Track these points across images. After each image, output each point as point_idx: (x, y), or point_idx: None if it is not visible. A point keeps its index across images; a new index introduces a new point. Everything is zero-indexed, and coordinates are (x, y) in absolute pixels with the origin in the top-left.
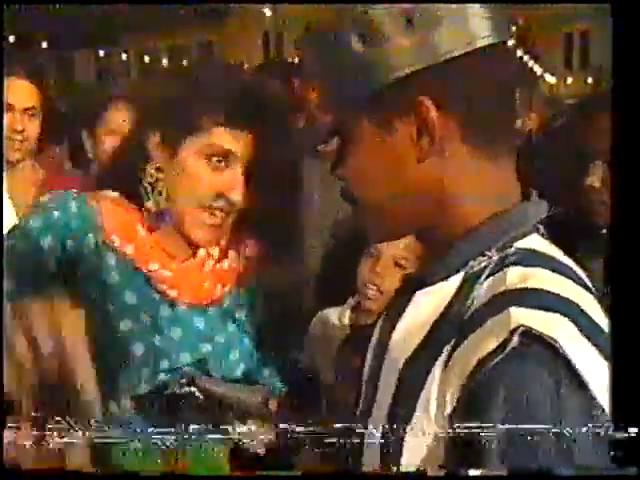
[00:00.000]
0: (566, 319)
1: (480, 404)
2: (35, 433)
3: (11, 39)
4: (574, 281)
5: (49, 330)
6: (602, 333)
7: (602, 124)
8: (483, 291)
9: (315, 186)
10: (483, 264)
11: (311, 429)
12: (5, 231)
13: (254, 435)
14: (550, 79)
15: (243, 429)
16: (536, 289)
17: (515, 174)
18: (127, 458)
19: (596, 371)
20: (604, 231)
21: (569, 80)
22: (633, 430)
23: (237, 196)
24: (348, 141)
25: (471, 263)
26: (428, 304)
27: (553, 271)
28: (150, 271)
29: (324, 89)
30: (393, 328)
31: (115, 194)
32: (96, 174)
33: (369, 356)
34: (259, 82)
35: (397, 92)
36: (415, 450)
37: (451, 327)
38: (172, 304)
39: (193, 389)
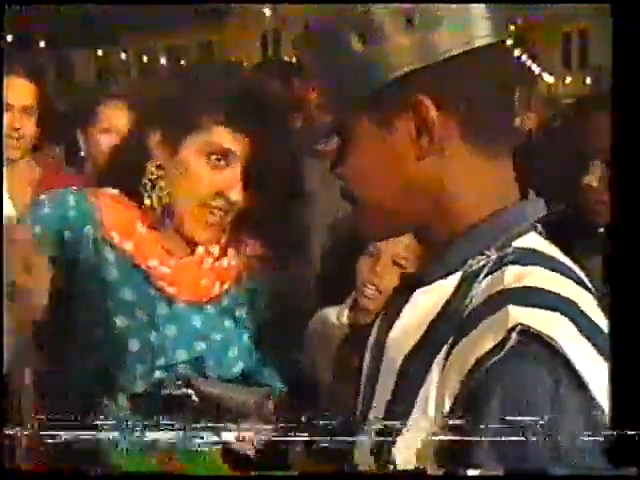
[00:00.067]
0: (565, 318)
1: (478, 403)
2: (35, 433)
3: (9, 38)
4: (573, 280)
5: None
6: (601, 332)
7: (600, 124)
8: (481, 290)
9: (315, 185)
10: (482, 263)
11: (309, 428)
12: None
13: (247, 436)
14: (549, 79)
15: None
16: (534, 288)
17: (514, 173)
18: (126, 458)
19: (595, 371)
20: (601, 230)
21: (568, 80)
22: (633, 430)
23: (236, 195)
24: (347, 140)
25: (470, 262)
26: (426, 303)
27: (552, 270)
28: (149, 267)
29: (324, 88)
30: (391, 327)
31: (115, 191)
32: (91, 172)
33: (367, 355)
34: (258, 82)
35: (396, 91)
36: (413, 449)
37: (449, 326)
38: (170, 301)
39: (189, 391)
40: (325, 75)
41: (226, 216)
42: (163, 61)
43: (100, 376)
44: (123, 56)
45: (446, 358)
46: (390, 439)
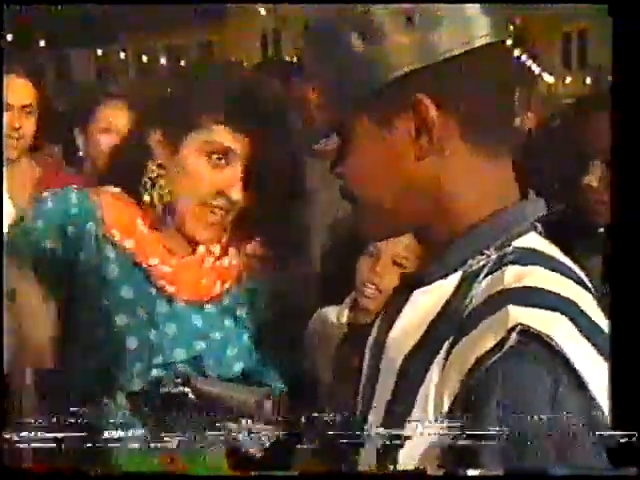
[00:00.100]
0: (565, 318)
1: (478, 402)
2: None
3: (9, 37)
4: (573, 280)
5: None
6: (601, 332)
7: (600, 123)
8: (481, 290)
9: (315, 185)
10: (482, 263)
11: (309, 428)
12: (5, 228)
13: (250, 436)
14: (548, 78)
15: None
16: (534, 288)
17: (513, 173)
18: (126, 458)
19: (595, 370)
20: (601, 230)
21: (568, 80)
22: (633, 430)
23: (237, 194)
24: (347, 140)
25: (470, 262)
26: (426, 303)
27: (552, 270)
28: (150, 266)
29: (324, 88)
30: (391, 327)
31: (116, 190)
32: (90, 172)
33: (367, 355)
34: (259, 81)
35: (397, 91)
36: (413, 449)
37: (449, 326)
38: (170, 300)
39: (186, 389)
40: (325, 75)
41: (227, 215)
42: (163, 61)
43: (100, 375)
44: (122, 56)
45: (446, 358)
46: (390, 438)
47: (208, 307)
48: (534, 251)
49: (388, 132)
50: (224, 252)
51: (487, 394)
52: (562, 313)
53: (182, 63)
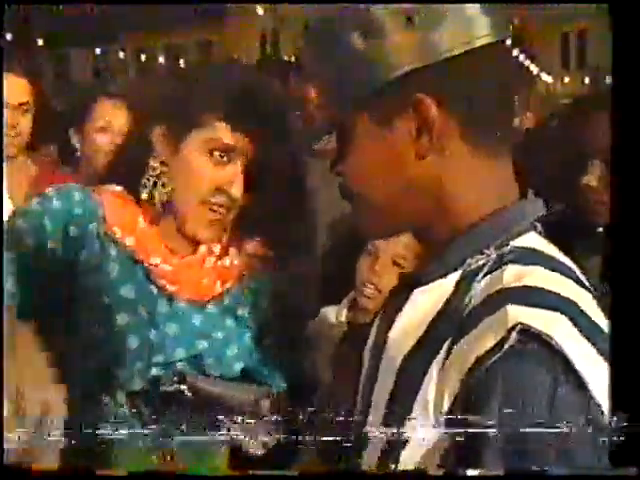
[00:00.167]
0: (564, 317)
1: (478, 402)
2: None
3: (8, 37)
4: (572, 280)
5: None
6: (601, 332)
7: (598, 123)
8: (481, 289)
9: (317, 184)
10: (481, 262)
11: (309, 428)
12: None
13: (253, 435)
14: (547, 78)
15: (237, 429)
16: (534, 287)
17: (513, 173)
18: (126, 458)
19: (595, 370)
20: (600, 230)
21: (566, 80)
22: (633, 430)
23: (237, 191)
24: (348, 139)
25: (469, 261)
26: (425, 302)
27: (551, 269)
28: (150, 265)
29: (324, 87)
30: (391, 327)
31: (118, 188)
32: (87, 171)
33: (366, 355)
34: (260, 79)
35: (397, 90)
36: (413, 448)
37: (449, 325)
38: (171, 299)
39: (182, 387)
40: (326, 74)
41: (228, 214)
42: (162, 60)
43: (100, 374)
44: (121, 55)
45: (446, 357)
46: (390, 438)
47: (209, 307)
48: (534, 251)
49: (389, 131)
50: (225, 252)
51: (487, 393)
52: (562, 313)
53: (181, 62)
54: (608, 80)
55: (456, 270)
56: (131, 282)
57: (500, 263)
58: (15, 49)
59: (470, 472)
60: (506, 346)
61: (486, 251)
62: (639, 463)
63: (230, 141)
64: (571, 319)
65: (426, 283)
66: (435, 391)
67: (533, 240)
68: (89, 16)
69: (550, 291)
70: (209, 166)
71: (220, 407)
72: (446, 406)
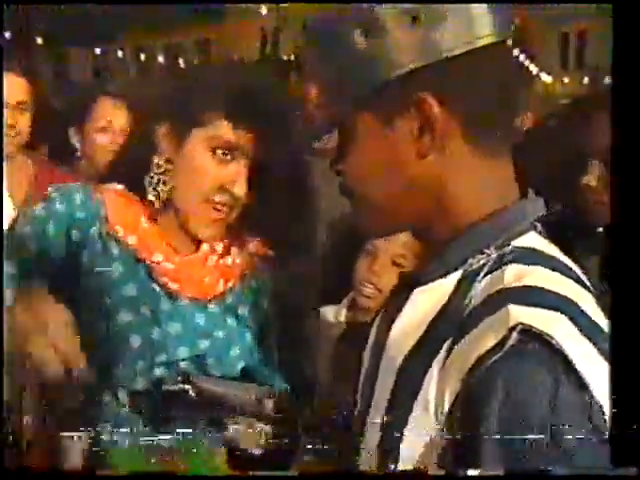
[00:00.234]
0: (564, 317)
1: (478, 402)
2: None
3: (7, 35)
4: (572, 279)
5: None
6: (601, 332)
7: (598, 123)
8: (481, 289)
9: (317, 183)
10: (482, 262)
11: (309, 429)
12: (5, 225)
13: (250, 435)
14: (546, 78)
15: (239, 428)
16: (534, 287)
17: (513, 173)
18: (126, 457)
19: (595, 370)
20: (600, 230)
21: (565, 80)
22: (633, 430)
23: (240, 190)
24: (349, 137)
25: (470, 261)
26: (426, 302)
27: (551, 269)
28: (153, 262)
29: (326, 85)
30: (391, 326)
31: (120, 187)
32: (86, 170)
33: (367, 354)
34: (260, 80)
35: (399, 89)
36: (413, 448)
37: (449, 325)
38: (173, 298)
39: (186, 386)
40: (327, 72)
41: (230, 213)
42: (161, 59)
43: (102, 373)
44: (120, 54)
45: (446, 357)
46: (390, 438)
47: (211, 306)
48: (534, 250)
49: (390, 130)
50: (227, 250)
51: (487, 393)
52: (562, 312)
53: (180, 61)
54: (607, 80)
55: (456, 270)
56: (133, 281)
57: (500, 263)
58: (14, 48)
59: (470, 472)
60: (507, 346)
61: (486, 251)
62: (639, 463)
63: (233, 139)
64: (571, 319)
65: (426, 283)
66: (436, 390)
67: (533, 240)
68: (89, 15)
69: (550, 291)
70: (212, 164)
71: (223, 407)
72: (447, 406)
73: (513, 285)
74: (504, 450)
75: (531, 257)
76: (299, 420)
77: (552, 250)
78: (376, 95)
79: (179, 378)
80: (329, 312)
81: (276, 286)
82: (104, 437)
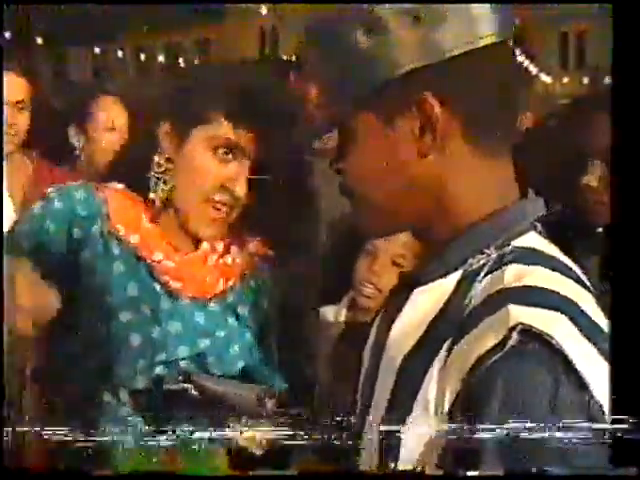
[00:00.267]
0: (565, 317)
1: (478, 402)
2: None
3: (7, 35)
4: (572, 279)
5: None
6: (601, 332)
7: (598, 123)
8: (481, 289)
9: (317, 183)
10: (482, 262)
11: (309, 428)
12: (5, 225)
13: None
14: (546, 79)
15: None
16: (535, 287)
17: (513, 173)
18: (126, 457)
19: (595, 370)
20: (600, 230)
21: (565, 80)
22: (633, 430)
23: (241, 189)
24: (349, 137)
25: (470, 261)
26: (426, 302)
27: (552, 269)
28: (154, 261)
29: (327, 85)
30: (391, 326)
31: (120, 186)
32: (85, 169)
33: (367, 354)
34: (260, 80)
35: (400, 88)
36: (413, 448)
37: (449, 325)
38: (174, 296)
39: (188, 385)
40: (328, 72)
41: (231, 212)
42: (161, 59)
43: (102, 372)
44: (120, 54)
45: (447, 357)
46: (390, 438)
47: (212, 305)
48: (534, 250)
49: (390, 129)
50: (227, 249)
51: (488, 393)
52: (562, 312)
53: (180, 61)
54: (607, 80)
55: (456, 270)
56: (134, 280)
57: (500, 263)
58: (14, 47)
59: (470, 472)
60: (508, 346)
61: (486, 251)
62: (639, 463)
63: (236, 139)
64: (571, 319)
65: (426, 283)
66: (436, 390)
67: (533, 240)
68: (88, 15)
69: (550, 291)
70: (213, 163)
71: (224, 406)
72: (447, 406)
73: (513, 285)
74: (504, 450)
75: (531, 257)
76: (299, 420)
77: (552, 250)
78: (377, 95)
79: (180, 377)
80: (329, 312)
81: (276, 286)
82: (105, 437)
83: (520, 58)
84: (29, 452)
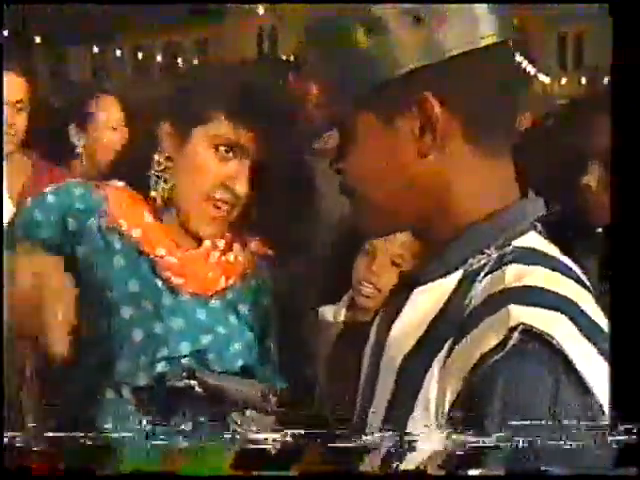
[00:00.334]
0: (565, 317)
1: (479, 401)
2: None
3: (5, 34)
4: (572, 279)
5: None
6: (601, 332)
7: (597, 124)
8: (482, 289)
9: (317, 183)
10: (482, 262)
11: (310, 429)
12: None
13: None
14: (544, 79)
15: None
16: (535, 287)
17: (513, 173)
18: (127, 457)
19: (595, 370)
20: (600, 230)
21: (563, 80)
22: (633, 430)
23: (242, 188)
24: (349, 136)
25: (470, 261)
26: (426, 302)
27: (552, 269)
28: (156, 256)
29: (327, 85)
30: (391, 326)
31: (121, 184)
32: (85, 169)
33: (367, 354)
34: (260, 79)
35: (400, 88)
36: (419, 452)
37: (450, 325)
38: (175, 292)
39: (193, 382)
40: (329, 71)
41: (231, 211)
42: (159, 59)
43: (103, 369)
44: (119, 53)
45: (447, 357)
46: (390, 438)
47: (212, 301)
48: (534, 250)
49: (391, 129)
50: (229, 247)
51: (489, 393)
52: (562, 312)
53: (179, 61)
54: (605, 81)
55: (457, 270)
56: (136, 275)
57: (501, 263)
58: (13, 47)
59: (470, 472)
60: (509, 346)
61: (487, 251)
62: (639, 463)
63: (237, 137)
64: (572, 319)
65: (426, 283)
66: (437, 390)
67: (533, 240)
68: (88, 15)
69: (551, 291)
70: (214, 161)
71: (228, 402)
72: (447, 405)
73: (513, 285)
74: (504, 450)
75: (531, 257)
76: (299, 419)
77: (552, 250)
78: (377, 95)
79: (184, 374)
80: (328, 312)
81: (276, 286)
82: (107, 435)
83: (519, 58)
84: (29, 452)
